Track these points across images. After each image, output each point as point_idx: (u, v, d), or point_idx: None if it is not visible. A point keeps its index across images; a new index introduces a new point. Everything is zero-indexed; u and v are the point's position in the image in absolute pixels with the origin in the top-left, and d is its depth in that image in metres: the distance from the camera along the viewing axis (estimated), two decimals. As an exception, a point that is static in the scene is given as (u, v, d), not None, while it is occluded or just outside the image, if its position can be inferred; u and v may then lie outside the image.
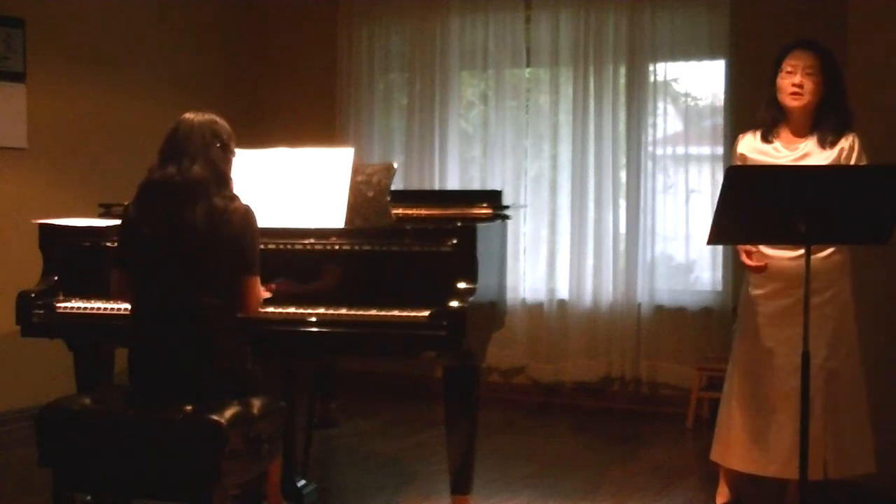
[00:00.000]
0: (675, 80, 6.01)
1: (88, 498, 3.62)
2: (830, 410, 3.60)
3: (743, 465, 3.75)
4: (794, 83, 3.59)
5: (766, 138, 3.70)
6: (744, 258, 3.66)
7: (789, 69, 3.61)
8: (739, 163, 3.71)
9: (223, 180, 3.23)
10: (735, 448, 3.75)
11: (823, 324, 3.58)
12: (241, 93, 6.64)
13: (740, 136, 3.84)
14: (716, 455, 3.88)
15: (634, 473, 4.63)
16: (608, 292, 5.97)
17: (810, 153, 3.61)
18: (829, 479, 3.63)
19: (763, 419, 3.68)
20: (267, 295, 3.40)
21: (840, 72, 3.66)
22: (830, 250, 3.58)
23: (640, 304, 5.91)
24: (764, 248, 3.64)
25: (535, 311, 6.16)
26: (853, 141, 3.60)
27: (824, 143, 3.60)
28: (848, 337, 3.68)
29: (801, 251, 3.50)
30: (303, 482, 3.86)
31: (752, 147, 3.72)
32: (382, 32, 6.53)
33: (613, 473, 4.64)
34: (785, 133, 3.69)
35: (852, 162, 3.57)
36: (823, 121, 3.62)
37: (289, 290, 3.54)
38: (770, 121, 3.70)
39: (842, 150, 3.59)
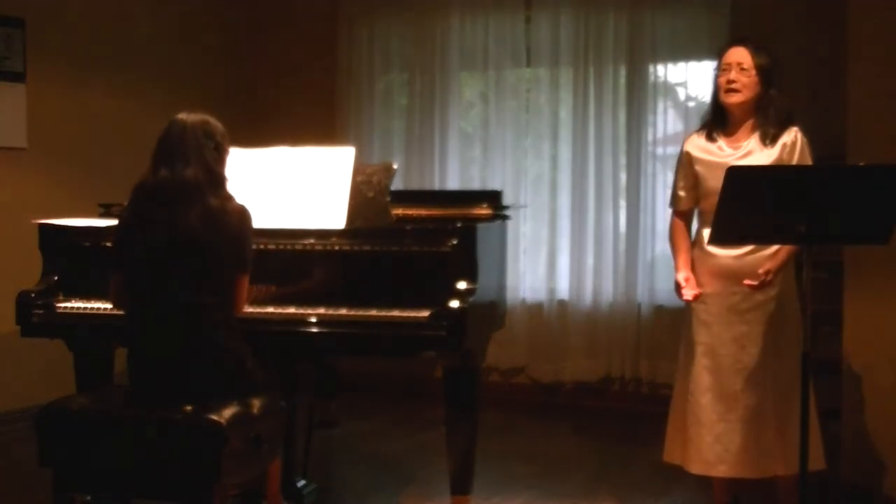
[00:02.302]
0: (675, 80, 6.01)
1: (88, 498, 3.61)
2: (779, 410, 3.58)
3: (700, 467, 3.69)
4: (729, 79, 3.59)
5: (709, 137, 3.69)
6: (680, 295, 3.63)
7: (724, 67, 3.62)
8: (685, 161, 3.71)
9: (218, 181, 3.23)
10: (691, 450, 3.70)
11: (768, 321, 3.58)
12: (241, 93, 6.64)
13: (686, 136, 3.83)
14: (672, 457, 3.81)
15: (634, 473, 4.63)
16: (608, 292, 5.97)
17: (752, 151, 3.59)
18: (778, 476, 3.61)
19: (714, 419, 3.63)
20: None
21: (777, 67, 3.64)
22: (775, 248, 3.54)
23: (640, 304, 5.91)
24: (710, 248, 3.62)
25: (535, 311, 6.16)
26: (795, 135, 3.58)
27: (765, 140, 3.59)
28: (794, 335, 3.62)
29: (745, 249, 3.54)
30: (303, 482, 3.85)
31: (697, 146, 3.70)
32: (382, 32, 6.53)
33: (613, 473, 4.64)
34: (726, 132, 3.68)
35: (795, 157, 3.55)
36: (763, 117, 3.61)
37: (289, 290, 3.55)
38: (712, 120, 3.70)
39: (784, 145, 3.57)
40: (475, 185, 6.32)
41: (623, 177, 5.98)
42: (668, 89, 6.01)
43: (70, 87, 5.64)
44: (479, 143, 6.41)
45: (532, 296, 6.18)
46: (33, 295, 3.73)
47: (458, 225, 3.56)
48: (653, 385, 5.92)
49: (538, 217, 6.19)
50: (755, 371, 3.57)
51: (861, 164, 3.52)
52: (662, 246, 5.97)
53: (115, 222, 3.58)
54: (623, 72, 5.96)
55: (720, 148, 3.66)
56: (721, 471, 3.65)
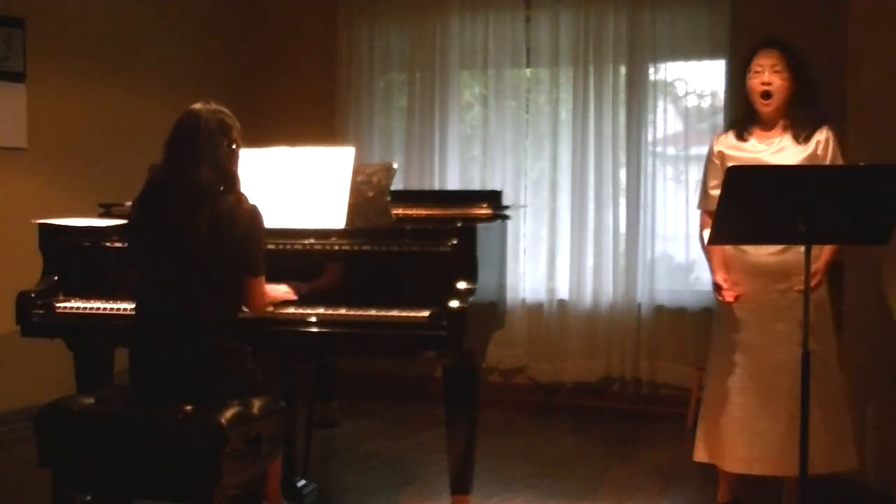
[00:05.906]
0: (675, 80, 6.01)
1: (88, 498, 3.62)
2: (816, 407, 3.58)
3: (736, 465, 3.72)
4: (763, 81, 3.63)
5: (740, 136, 3.74)
6: (721, 296, 3.64)
7: (757, 69, 3.66)
8: (717, 161, 3.73)
9: (230, 180, 3.21)
10: (726, 448, 3.72)
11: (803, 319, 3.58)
12: (241, 93, 6.63)
13: (716, 136, 3.89)
14: (704, 456, 3.84)
15: (634, 473, 4.63)
16: (608, 292, 5.97)
17: (785, 147, 3.64)
18: (816, 474, 3.61)
19: (752, 417, 3.65)
20: (291, 296, 3.44)
21: (807, 67, 3.68)
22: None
23: (640, 304, 5.91)
24: (746, 247, 3.64)
25: (535, 311, 6.15)
26: (828, 134, 3.63)
27: (798, 139, 3.64)
28: (826, 332, 3.66)
29: (782, 247, 3.56)
30: (303, 482, 3.86)
31: (728, 144, 3.75)
32: (382, 32, 6.53)
33: (613, 473, 4.64)
34: (758, 130, 3.73)
35: (829, 154, 3.60)
36: (795, 116, 3.65)
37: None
38: (743, 120, 3.76)
39: (818, 143, 3.62)
40: (475, 185, 6.32)
41: (623, 176, 5.97)
42: (668, 88, 6.01)
43: (70, 87, 5.63)
44: (479, 143, 6.41)
45: (532, 296, 6.18)
46: (33, 295, 3.73)
47: (458, 225, 3.56)
48: (653, 385, 5.93)
49: (538, 217, 6.19)
50: (793, 369, 3.54)
51: (861, 164, 3.52)
52: (662, 246, 5.98)
53: (115, 222, 3.59)
54: (623, 71, 5.96)
55: (752, 145, 3.70)
56: (758, 469, 3.68)
